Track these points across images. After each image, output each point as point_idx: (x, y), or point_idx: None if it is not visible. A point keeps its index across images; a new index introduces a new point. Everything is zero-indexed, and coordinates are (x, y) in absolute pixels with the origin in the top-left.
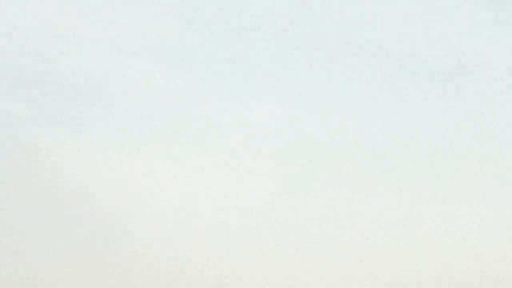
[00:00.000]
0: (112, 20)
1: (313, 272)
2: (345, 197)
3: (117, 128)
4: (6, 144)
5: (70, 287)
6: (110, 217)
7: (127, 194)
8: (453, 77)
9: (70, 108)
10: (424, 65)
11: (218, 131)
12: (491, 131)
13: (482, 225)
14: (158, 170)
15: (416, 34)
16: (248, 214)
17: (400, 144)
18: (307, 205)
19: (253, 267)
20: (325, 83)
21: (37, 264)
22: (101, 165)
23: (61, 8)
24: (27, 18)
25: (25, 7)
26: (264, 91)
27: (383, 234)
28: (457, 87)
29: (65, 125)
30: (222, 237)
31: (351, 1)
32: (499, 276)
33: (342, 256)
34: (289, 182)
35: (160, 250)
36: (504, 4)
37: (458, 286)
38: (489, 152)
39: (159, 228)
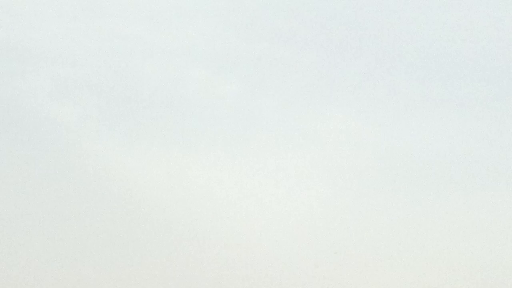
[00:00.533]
0: (175, 31)
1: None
2: (412, 206)
3: (176, 134)
4: (57, 148)
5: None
6: (173, 224)
7: (187, 200)
8: None
9: (128, 114)
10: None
11: (278, 139)
12: None
13: None
14: (219, 177)
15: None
16: (310, 221)
17: (469, 156)
18: (374, 212)
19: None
20: (387, 92)
21: (94, 263)
22: (161, 172)
23: (126, 19)
24: (86, 27)
25: (85, 17)
26: (327, 99)
27: (450, 244)
28: None
29: (123, 131)
30: (288, 242)
31: (417, 15)
32: None
33: (404, 262)
34: (348, 191)
35: (225, 253)
36: None
37: None
38: None
39: (220, 230)
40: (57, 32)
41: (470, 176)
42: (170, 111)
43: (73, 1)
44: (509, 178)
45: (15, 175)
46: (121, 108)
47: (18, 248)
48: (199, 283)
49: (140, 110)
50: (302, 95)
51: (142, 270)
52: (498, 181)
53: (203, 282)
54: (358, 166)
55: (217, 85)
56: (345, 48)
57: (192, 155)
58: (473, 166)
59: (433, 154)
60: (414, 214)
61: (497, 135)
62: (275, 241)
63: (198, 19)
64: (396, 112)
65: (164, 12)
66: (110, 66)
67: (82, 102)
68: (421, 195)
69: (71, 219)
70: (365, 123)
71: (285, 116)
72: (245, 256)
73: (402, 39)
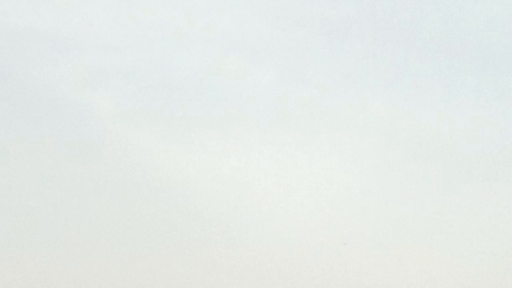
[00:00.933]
0: (210, 19)
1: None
2: (449, 196)
3: (211, 121)
4: (92, 134)
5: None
6: (209, 209)
7: (221, 187)
8: None
9: (163, 101)
10: None
11: (312, 126)
12: None
13: None
14: (253, 164)
15: None
16: (344, 210)
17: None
18: (409, 201)
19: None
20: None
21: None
22: (196, 158)
23: (161, 6)
24: (121, 15)
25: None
26: (362, 87)
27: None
28: None
29: (158, 118)
30: (320, 233)
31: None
32: None
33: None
34: (381, 177)
35: (254, 244)
36: None
37: None
38: None
39: (253, 214)
40: (92, 19)
41: (508, 165)
42: (204, 98)
43: None
44: None
45: (50, 162)
46: (156, 96)
47: (58, 230)
48: (234, 264)
49: (175, 97)
50: (336, 83)
51: (181, 254)
52: None
53: (235, 263)
54: (392, 154)
55: (251, 72)
56: (380, 36)
57: (227, 142)
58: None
59: (471, 143)
60: (452, 205)
61: None
62: (304, 227)
63: (233, 7)
64: (431, 99)
65: (199, 0)
66: (144, 53)
67: (117, 89)
68: (458, 185)
69: (106, 204)
70: (400, 111)
71: (319, 103)
72: (275, 239)
73: (438, 27)
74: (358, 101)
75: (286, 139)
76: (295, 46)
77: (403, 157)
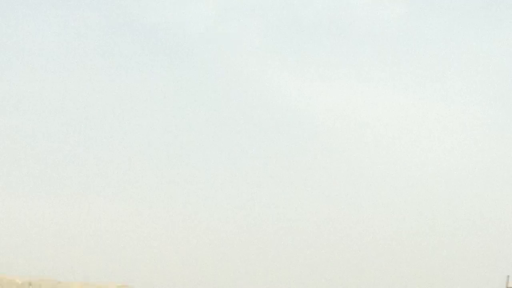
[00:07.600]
0: None
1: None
2: None
3: (342, 57)
4: (225, 74)
5: None
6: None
7: (352, 124)
8: None
9: (291, 38)
10: None
11: (444, 61)
12: None
13: None
14: (387, 101)
15: None
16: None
17: None
18: None
19: None
20: None
21: None
22: (320, 91)
23: None
24: None
25: None
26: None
27: None
28: None
29: (286, 55)
30: None
31: None
32: None
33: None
34: None
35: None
36: None
37: None
38: None
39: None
40: None
41: None
42: (334, 33)
43: None
44: None
45: (190, 99)
46: (284, 32)
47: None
48: None
49: (304, 33)
50: (469, 16)
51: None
52: None
53: None
54: None
55: (383, 7)
56: None
57: (358, 77)
58: None
59: None
60: None
61: None
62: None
63: None
64: None
65: None
66: None
67: (246, 26)
68: None
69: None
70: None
71: (450, 37)
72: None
73: None
74: (491, 34)
75: (417, 71)
76: None
77: None
